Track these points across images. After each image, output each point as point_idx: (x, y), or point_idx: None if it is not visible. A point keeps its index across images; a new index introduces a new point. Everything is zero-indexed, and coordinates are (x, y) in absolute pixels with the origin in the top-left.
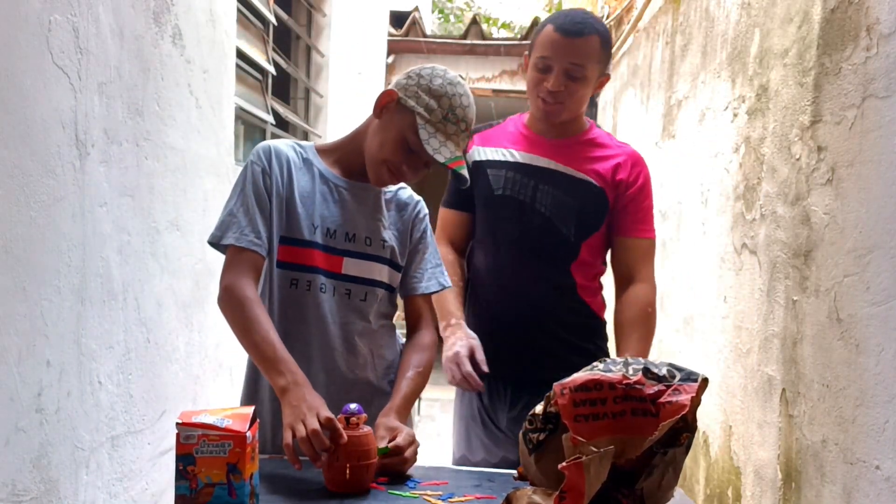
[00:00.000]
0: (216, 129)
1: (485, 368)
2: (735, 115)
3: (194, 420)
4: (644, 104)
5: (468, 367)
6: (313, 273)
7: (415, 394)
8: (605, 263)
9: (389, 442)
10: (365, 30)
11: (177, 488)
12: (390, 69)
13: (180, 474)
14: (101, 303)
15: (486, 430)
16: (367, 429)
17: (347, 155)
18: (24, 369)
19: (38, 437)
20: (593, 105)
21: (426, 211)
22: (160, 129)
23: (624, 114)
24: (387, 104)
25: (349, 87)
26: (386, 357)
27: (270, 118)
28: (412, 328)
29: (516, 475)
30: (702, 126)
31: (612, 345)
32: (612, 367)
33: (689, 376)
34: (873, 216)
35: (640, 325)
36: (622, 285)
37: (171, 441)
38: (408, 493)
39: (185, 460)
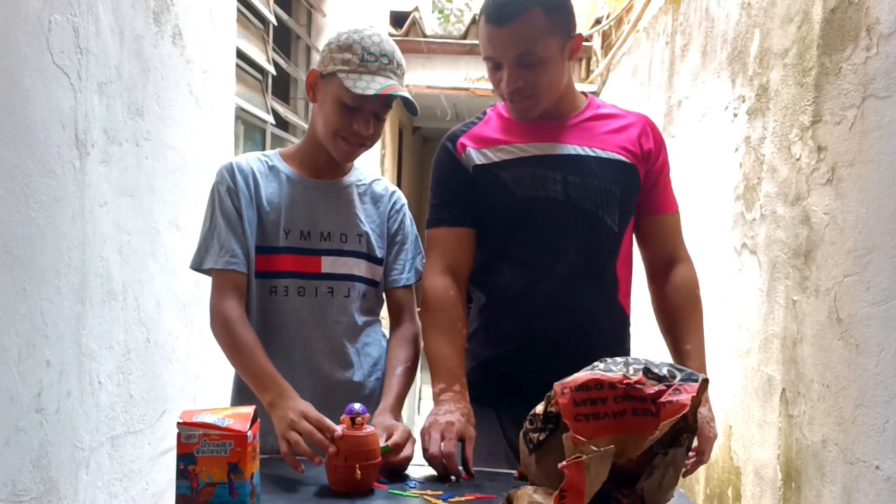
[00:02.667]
0: (216, 129)
1: (470, 471)
2: (735, 115)
3: (195, 420)
4: (644, 104)
5: (454, 466)
6: (291, 278)
7: (405, 390)
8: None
9: (387, 440)
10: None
11: (178, 487)
12: None
13: (181, 474)
14: (101, 303)
15: (510, 464)
16: (370, 429)
17: (311, 154)
18: (24, 369)
19: (38, 437)
20: None
21: (404, 201)
22: (160, 129)
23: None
24: (313, 83)
25: None
26: (372, 355)
27: (270, 118)
28: (395, 321)
29: (516, 475)
30: (702, 126)
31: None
32: (613, 366)
33: (690, 376)
34: (873, 216)
35: (694, 310)
36: (662, 268)
37: (172, 441)
38: (408, 493)
39: (186, 460)
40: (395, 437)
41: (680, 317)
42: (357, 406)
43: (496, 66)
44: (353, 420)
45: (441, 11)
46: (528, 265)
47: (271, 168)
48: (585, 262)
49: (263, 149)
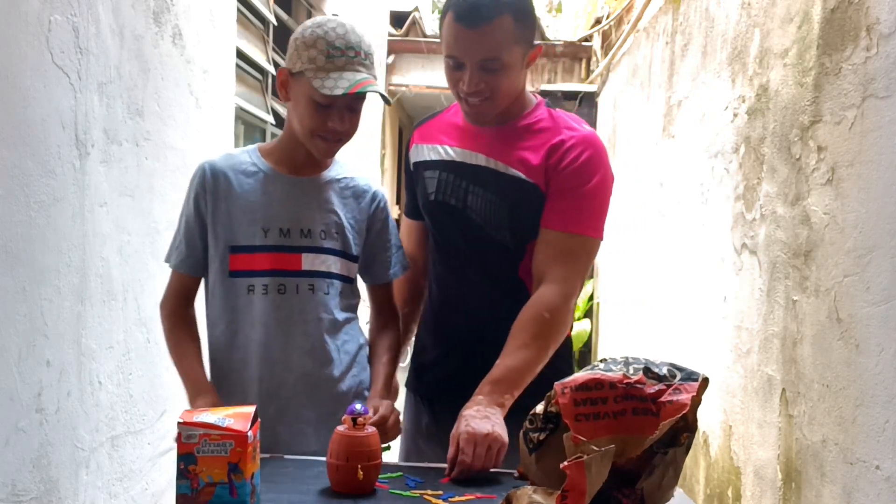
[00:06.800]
0: (216, 129)
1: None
2: (735, 115)
3: (195, 419)
4: (644, 104)
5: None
6: (271, 276)
7: (392, 373)
8: None
9: (374, 414)
10: (365, 30)
11: (178, 487)
12: (390, 69)
13: (181, 474)
14: (101, 303)
15: (430, 444)
16: (372, 429)
17: (289, 150)
18: (24, 369)
19: (38, 437)
20: (593, 105)
21: (385, 199)
22: (160, 129)
23: (624, 114)
24: (284, 83)
25: None
26: (350, 352)
27: (270, 118)
28: (377, 311)
29: (516, 474)
30: (702, 126)
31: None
32: (613, 366)
33: (690, 376)
34: (873, 216)
35: (527, 330)
36: (535, 284)
37: (171, 441)
38: (408, 493)
39: (187, 459)
40: (381, 410)
41: (512, 334)
42: (358, 406)
43: (458, 65)
44: (354, 420)
45: (441, 12)
46: (436, 263)
47: (251, 165)
48: (483, 270)
49: None
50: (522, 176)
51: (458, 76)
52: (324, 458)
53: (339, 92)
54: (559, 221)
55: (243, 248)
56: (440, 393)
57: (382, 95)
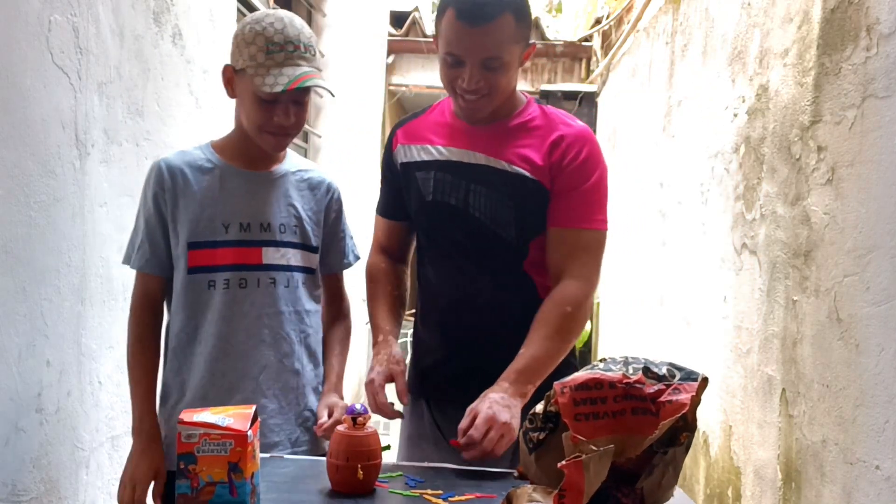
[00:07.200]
0: (216, 129)
1: (404, 401)
2: (735, 115)
3: (195, 419)
4: (644, 104)
5: (382, 398)
6: (232, 271)
7: (343, 366)
8: None
9: (329, 416)
10: (365, 30)
11: (178, 487)
12: (390, 69)
13: (181, 473)
14: (101, 303)
15: (437, 448)
16: (372, 429)
17: (242, 145)
18: (24, 369)
19: (38, 437)
20: (593, 105)
21: (339, 191)
22: (160, 129)
23: (624, 114)
24: (228, 80)
25: (349, 87)
26: (311, 346)
27: None
28: (328, 301)
29: (516, 474)
30: (702, 126)
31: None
32: (612, 366)
33: (689, 375)
34: (873, 216)
35: (550, 323)
36: (554, 280)
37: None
38: (408, 493)
39: (187, 459)
40: (336, 415)
41: (534, 327)
42: (358, 406)
43: (457, 62)
44: (354, 420)
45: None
46: (438, 263)
47: (207, 161)
48: (485, 267)
49: None
50: (527, 173)
51: (456, 73)
52: (324, 458)
53: (278, 89)
54: (570, 219)
55: (204, 245)
56: (445, 394)
57: (326, 88)
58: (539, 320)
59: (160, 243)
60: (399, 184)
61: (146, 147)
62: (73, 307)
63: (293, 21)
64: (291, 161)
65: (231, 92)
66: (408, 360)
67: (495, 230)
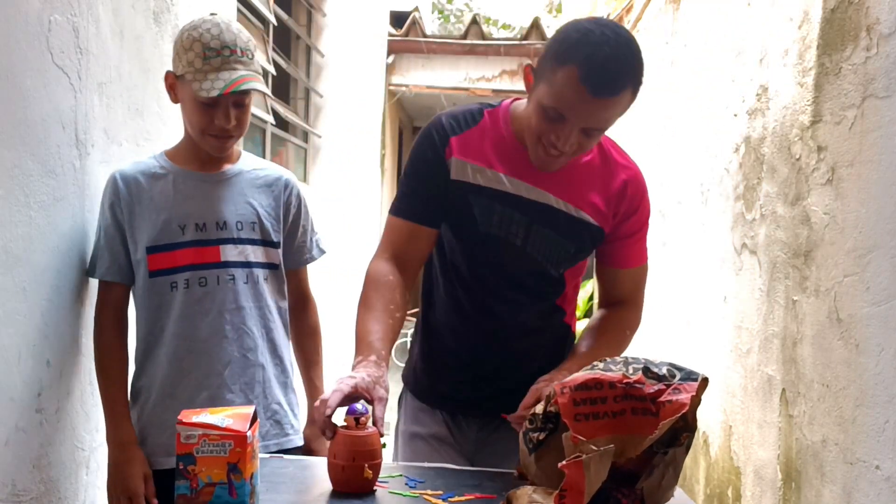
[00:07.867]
0: None
1: (381, 429)
2: (735, 115)
3: (195, 419)
4: (644, 104)
5: (327, 412)
6: (191, 270)
7: (321, 375)
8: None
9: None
10: (365, 30)
11: (177, 488)
12: (390, 69)
13: (181, 474)
14: None
15: (456, 453)
16: (373, 428)
17: (193, 149)
18: (24, 369)
19: (38, 437)
20: None
21: (298, 186)
22: (160, 129)
23: (624, 114)
24: (171, 86)
25: (349, 87)
26: (275, 340)
27: (270, 118)
28: (294, 301)
29: (516, 474)
30: (702, 126)
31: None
32: (612, 366)
33: (690, 375)
34: (873, 216)
35: (613, 338)
36: (610, 303)
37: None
38: (408, 493)
39: (186, 460)
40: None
41: (599, 334)
42: (359, 406)
43: (559, 118)
44: (356, 420)
45: (441, 12)
46: (466, 287)
47: (160, 168)
48: (530, 300)
49: (263, 149)
50: (591, 220)
51: (551, 128)
52: (324, 459)
53: (214, 93)
54: (631, 261)
55: (163, 248)
56: (461, 410)
57: (262, 91)
58: (602, 329)
59: (120, 251)
60: (441, 193)
61: (146, 147)
62: (73, 307)
63: (230, 26)
64: (246, 161)
65: (174, 97)
66: (406, 361)
67: (547, 268)
